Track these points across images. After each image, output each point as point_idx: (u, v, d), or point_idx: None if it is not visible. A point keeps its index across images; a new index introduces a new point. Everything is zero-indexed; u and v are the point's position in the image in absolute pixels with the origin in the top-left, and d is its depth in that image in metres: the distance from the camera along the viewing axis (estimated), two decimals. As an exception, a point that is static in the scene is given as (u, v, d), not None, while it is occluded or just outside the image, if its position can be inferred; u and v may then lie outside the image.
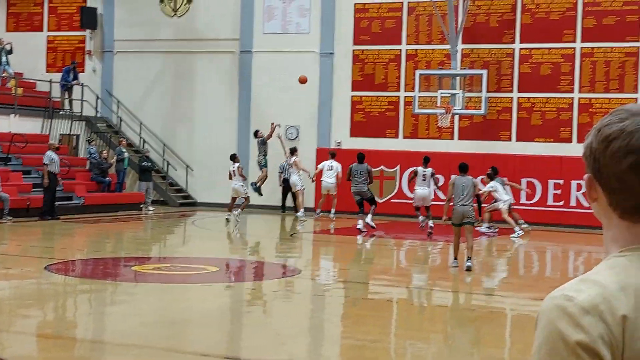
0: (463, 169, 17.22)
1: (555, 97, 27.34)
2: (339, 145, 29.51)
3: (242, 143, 30.78)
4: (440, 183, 24.33)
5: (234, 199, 26.17)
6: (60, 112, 31.14)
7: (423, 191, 23.25)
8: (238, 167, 26.04)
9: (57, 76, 31.87)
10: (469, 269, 16.56)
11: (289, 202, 29.74)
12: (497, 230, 24.48)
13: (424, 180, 23.24)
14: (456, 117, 27.77)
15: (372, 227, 23.56)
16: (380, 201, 27.27)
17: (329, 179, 26.52)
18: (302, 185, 27.40)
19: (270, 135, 27.26)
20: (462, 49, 28.04)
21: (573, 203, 26.55)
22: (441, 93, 26.76)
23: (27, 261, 17.24)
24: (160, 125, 32.07)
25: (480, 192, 21.32)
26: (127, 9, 32.79)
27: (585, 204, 24.44)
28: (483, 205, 24.42)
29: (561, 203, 26.61)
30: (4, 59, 31.23)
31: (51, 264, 16.28)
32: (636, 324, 1.80)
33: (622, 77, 26.61)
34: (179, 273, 16.05)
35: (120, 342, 10.26)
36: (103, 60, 33.26)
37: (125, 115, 32.61)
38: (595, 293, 1.81)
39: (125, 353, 9.79)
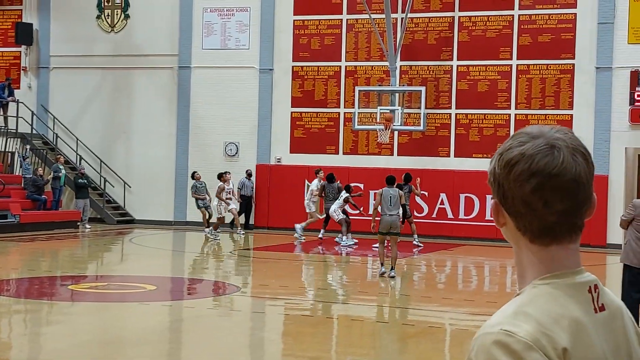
0: (390, 181, 18.30)
1: (492, 114, 27.64)
2: (278, 162, 29.50)
3: (181, 159, 30.60)
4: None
5: (219, 219, 26.20)
6: (-5, 129, 30.66)
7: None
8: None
9: (-9, 92, 31.39)
10: (392, 277, 17.49)
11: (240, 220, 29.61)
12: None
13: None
14: (395, 133, 27.93)
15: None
16: (320, 217, 27.24)
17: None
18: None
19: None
20: (401, 66, 28.23)
21: (511, 218, 26.77)
22: (380, 109, 26.90)
23: (-41, 281, 16.86)
24: (98, 142, 31.73)
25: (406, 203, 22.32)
26: (64, 25, 32.44)
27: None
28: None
29: (499, 218, 26.86)
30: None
31: (-15, 284, 15.93)
32: (576, 356, 1.80)
33: (558, 93, 27.01)
34: (116, 292, 15.84)
35: (56, 363, 10.05)
36: (39, 77, 32.84)
37: (62, 131, 32.21)
38: (533, 327, 1.79)
39: (61, 374, 9.59)
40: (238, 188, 28.53)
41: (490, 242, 26.10)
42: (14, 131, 31.00)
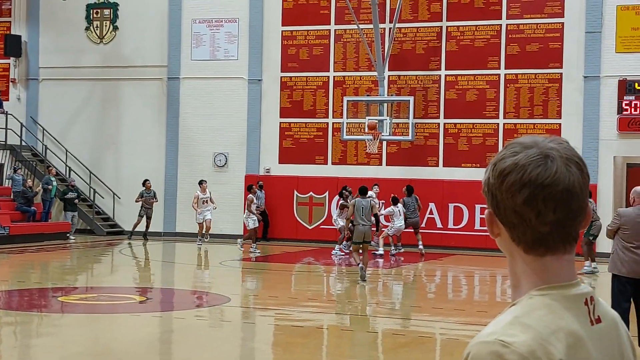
0: (363, 192, 19.19)
1: (481, 123, 27.72)
2: (267, 172, 29.51)
3: (170, 170, 30.60)
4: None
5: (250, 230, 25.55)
6: (-16, 141, 30.60)
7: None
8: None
9: (-20, 104, 31.33)
10: (363, 280, 18.51)
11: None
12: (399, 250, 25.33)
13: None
14: (384, 143, 27.98)
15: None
16: (310, 227, 27.30)
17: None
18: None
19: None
20: (389, 76, 28.30)
21: (500, 227, 26.82)
22: (369, 119, 26.94)
23: (-51, 293, 16.81)
24: (87, 153, 31.69)
25: (380, 213, 22.85)
26: (53, 37, 32.43)
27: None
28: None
29: (488, 227, 26.89)
30: None
31: (-26, 296, 15.89)
32: None
33: (546, 102, 27.11)
34: (106, 303, 15.82)
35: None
36: (28, 88, 32.81)
37: (51, 143, 32.18)
38: (529, 338, 1.78)
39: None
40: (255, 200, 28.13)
41: (480, 252, 26.13)
42: (3, 143, 30.95)
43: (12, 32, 32.77)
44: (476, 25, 27.80)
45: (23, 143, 31.80)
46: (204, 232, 27.71)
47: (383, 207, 25.95)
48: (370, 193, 25.75)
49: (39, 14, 32.65)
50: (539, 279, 1.89)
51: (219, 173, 30.06)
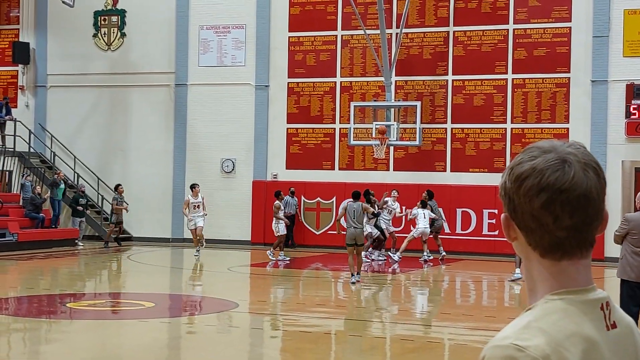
0: (355, 196, 19.87)
1: (488, 128, 27.70)
2: (275, 178, 29.53)
3: (178, 176, 30.65)
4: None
5: (279, 237, 25.02)
6: (-8, 148, 30.69)
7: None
8: (274, 205, 25.64)
9: (-12, 111, 31.43)
10: (357, 281, 19.17)
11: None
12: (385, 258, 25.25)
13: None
14: (391, 149, 27.98)
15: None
16: (317, 233, 27.32)
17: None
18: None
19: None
20: (396, 81, 28.31)
21: (508, 232, 26.78)
22: (376, 125, 26.95)
23: (-42, 300, 16.85)
24: (95, 159, 31.76)
25: (372, 217, 23.29)
26: (60, 43, 32.52)
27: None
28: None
29: (496, 232, 26.86)
30: None
31: (-17, 303, 15.93)
32: None
33: (554, 107, 27.08)
34: (115, 309, 15.84)
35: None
36: (36, 95, 32.91)
37: (59, 149, 32.25)
38: (544, 342, 1.78)
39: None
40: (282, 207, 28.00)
41: (488, 257, 26.11)
42: (12, 150, 31.01)
43: (21, 40, 32.88)
44: (483, 30, 27.80)
45: (31, 150, 31.88)
46: (199, 239, 25.93)
47: (403, 210, 25.97)
48: (388, 200, 25.72)
49: (47, 21, 32.75)
50: (555, 283, 1.89)
51: (227, 179, 30.11)
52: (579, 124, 26.68)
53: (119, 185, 29.47)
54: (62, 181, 29.71)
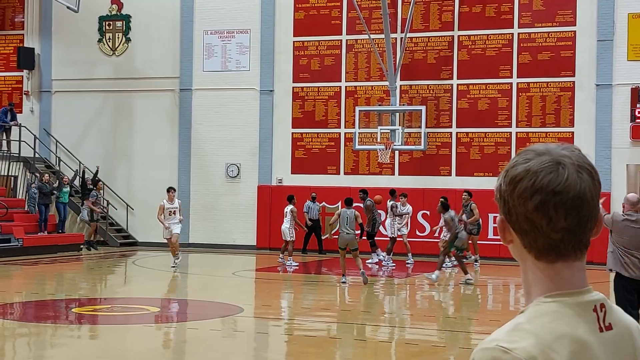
0: (348, 203, 20.39)
1: (493, 132, 27.70)
2: (280, 183, 29.54)
3: (183, 181, 30.67)
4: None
5: (289, 242, 24.52)
6: (-2, 154, 30.76)
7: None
8: (291, 210, 24.70)
9: (-6, 117, 31.50)
10: (363, 275, 19.58)
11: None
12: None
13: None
14: (396, 153, 27.99)
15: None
16: (323, 237, 27.31)
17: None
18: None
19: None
20: (401, 86, 28.32)
21: (513, 236, 26.76)
22: (381, 129, 26.97)
23: (-37, 305, 16.87)
24: (100, 164, 31.78)
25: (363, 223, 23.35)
26: (65, 49, 32.58)
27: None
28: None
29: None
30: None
31: (-12, 308, 15.96)
32: None
33: (558, 111, 27.07)
34: (120, 314, 15.86)
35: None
36: (41, 100, 32.97)
37: (64, 154, 32.31)
38: (531, 344, 1.78)
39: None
40: (304, 212, 27.43)
41: (493, 261, 26.07)
42: (17, 155, 31.08)
43: (25, 45, 32.94)
44: (487, 34, 27.81)
45: (37, 155, 31.94)
46: (174, 248, 23.41)
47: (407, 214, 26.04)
48: (397, 204, 25.65)
49: (51, 27, 32.82)
50: (550, 286, 1.89)
51: (232, 184, 30.13)
52: (584, 128, 26.67)
53: (99, 181, 29.45)
54: (67, 185, 29.77)
